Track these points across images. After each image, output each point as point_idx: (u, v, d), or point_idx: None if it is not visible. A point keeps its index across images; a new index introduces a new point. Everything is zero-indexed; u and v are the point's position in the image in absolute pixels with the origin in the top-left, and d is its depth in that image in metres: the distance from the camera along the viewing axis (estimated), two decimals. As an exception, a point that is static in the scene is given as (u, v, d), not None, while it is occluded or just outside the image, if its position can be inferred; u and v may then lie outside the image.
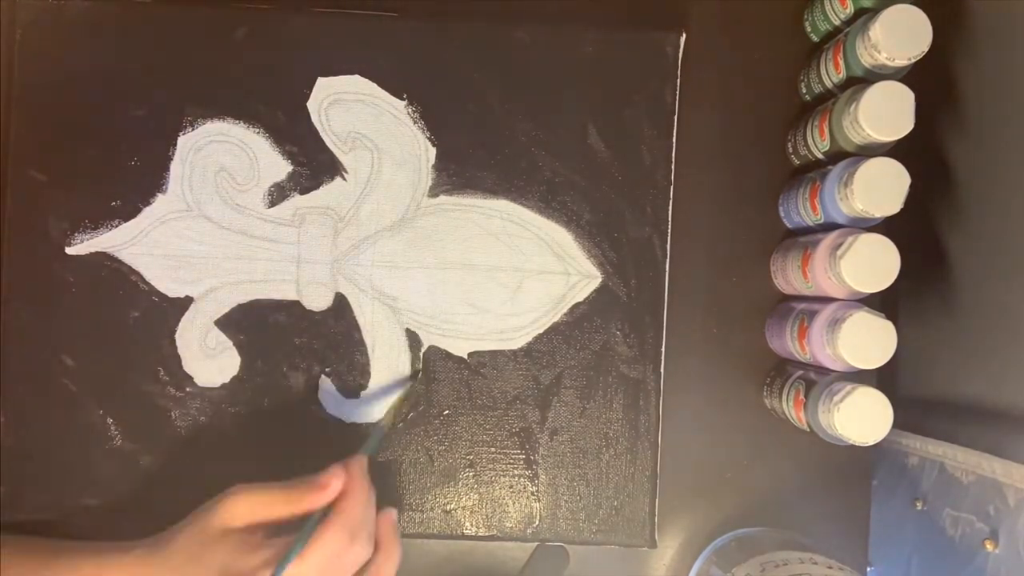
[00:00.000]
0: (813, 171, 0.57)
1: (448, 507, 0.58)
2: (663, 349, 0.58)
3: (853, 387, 0.51)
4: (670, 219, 0.58)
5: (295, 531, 0.46)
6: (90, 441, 0.56)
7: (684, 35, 0.58)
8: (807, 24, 0.61)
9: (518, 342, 0.58)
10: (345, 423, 0.57)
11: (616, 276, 0.58)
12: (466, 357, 0.58)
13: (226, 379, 0.57)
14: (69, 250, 0.56)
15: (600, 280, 0.58)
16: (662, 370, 0.58)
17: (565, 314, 0.58)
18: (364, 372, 0.57)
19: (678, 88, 0.58)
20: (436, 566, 0.61)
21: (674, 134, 0.58)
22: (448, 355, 0.57)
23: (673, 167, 0.58)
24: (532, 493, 0.58)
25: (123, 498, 0.56)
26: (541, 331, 0.58)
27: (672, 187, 0.58)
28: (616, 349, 0.58)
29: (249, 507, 0.47)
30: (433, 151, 0.57)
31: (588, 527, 0.58)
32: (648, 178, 0.58)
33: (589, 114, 0.58)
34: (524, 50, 0.58)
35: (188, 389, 0.57)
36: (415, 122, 0.57)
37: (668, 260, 0.58)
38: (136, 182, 0.57)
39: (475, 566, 0.61)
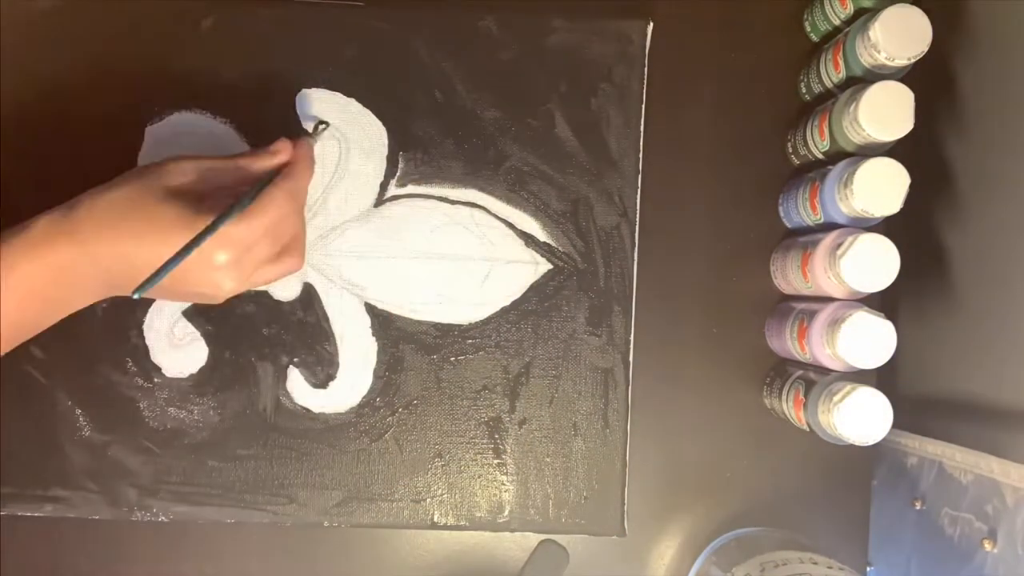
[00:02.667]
0: (813, 171, 0.57)
1: (417, 497, 0.58)
2: (632, 338, 0.58)
3: (853, 387, 0.51)
4: (639, 208, 0.58)
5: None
6: (59, 432, 0.56)
7: (651, 24, 0.58)
8: (807, 24, 0.61)
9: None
10: (313, 413, 0.57)
11: (585, 265, 0.58)
12: (435, 340, 0.57)
13: (194, 370, 0.57)
14: (37, 241, 0.56)
15: (568, 269, 0.58)
16: (631, 359, 0.58)
17: (534, 302, 0.58)
18: (332, 362, 0.57)
19: (646, 77, 0.58)
20: (436, 565, 0.61)
21: (642, 123, 0.58)
22: (418, 346, 0.57)
23: (641, 156, 0.58)
24: (502, 482, 0.58)
25: (92, 489, 0.56)
26: (507, 303, 0.58)
27: (640, 176, 0.58)
28: (585, 338, 0.58)
29: (195, 168, 0.46)
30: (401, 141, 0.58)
31: (558, 516, 0.58)
32: (616, 167, 0.58)
33: (556, 103, 0.58)
34: (491, 39, 0.58)
35: (156, 380, 0.57)
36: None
37: (636, 249, 0.58)
38: (104, 173, 0.56)
39: (475, 565, 0.61)
